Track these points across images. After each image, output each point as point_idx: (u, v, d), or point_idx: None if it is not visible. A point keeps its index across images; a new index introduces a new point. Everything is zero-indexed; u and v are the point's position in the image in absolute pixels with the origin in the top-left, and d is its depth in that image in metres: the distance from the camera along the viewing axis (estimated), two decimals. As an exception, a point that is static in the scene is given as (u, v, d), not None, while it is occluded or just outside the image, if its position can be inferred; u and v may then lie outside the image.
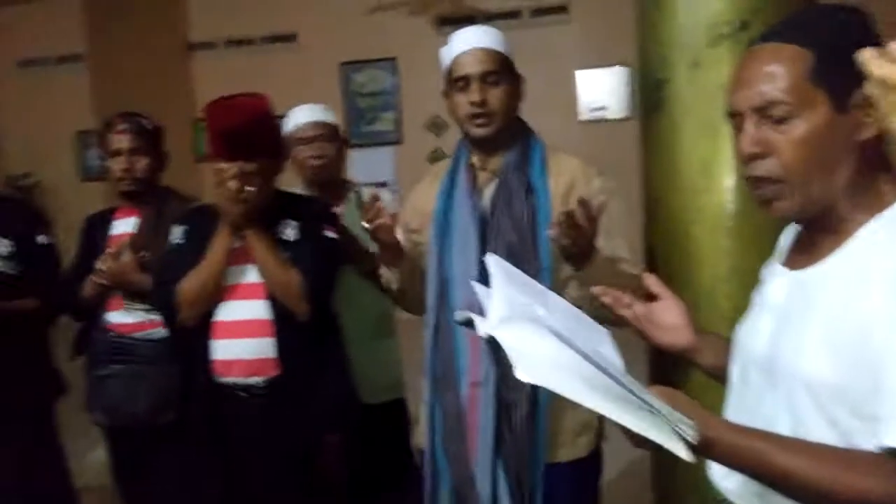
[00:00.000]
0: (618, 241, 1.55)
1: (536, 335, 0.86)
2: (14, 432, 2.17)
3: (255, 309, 1.76)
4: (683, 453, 0.76)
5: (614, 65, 5.59)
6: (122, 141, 2.13)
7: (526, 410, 1.48)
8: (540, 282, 1.51)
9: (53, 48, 6.55)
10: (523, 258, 1.47)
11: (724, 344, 1.06)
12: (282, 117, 2.16)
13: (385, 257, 1.64)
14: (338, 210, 2.06)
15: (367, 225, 1.55)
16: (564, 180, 1.57)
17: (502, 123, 1.56)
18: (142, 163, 2.14)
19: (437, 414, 1.57)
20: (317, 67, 6.01)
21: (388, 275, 1.69)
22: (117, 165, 2.13)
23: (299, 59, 6.10)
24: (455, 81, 1.56)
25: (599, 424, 1.62)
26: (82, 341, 2.18)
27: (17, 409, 2.17)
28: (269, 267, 1.74)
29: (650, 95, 1.74)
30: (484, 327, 0.88)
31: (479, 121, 1.54)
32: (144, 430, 2.08)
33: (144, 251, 2.01)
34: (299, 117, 2.19)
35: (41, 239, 2.25)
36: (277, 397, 1.77)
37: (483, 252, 1.48)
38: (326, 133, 2.18)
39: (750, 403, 0.95)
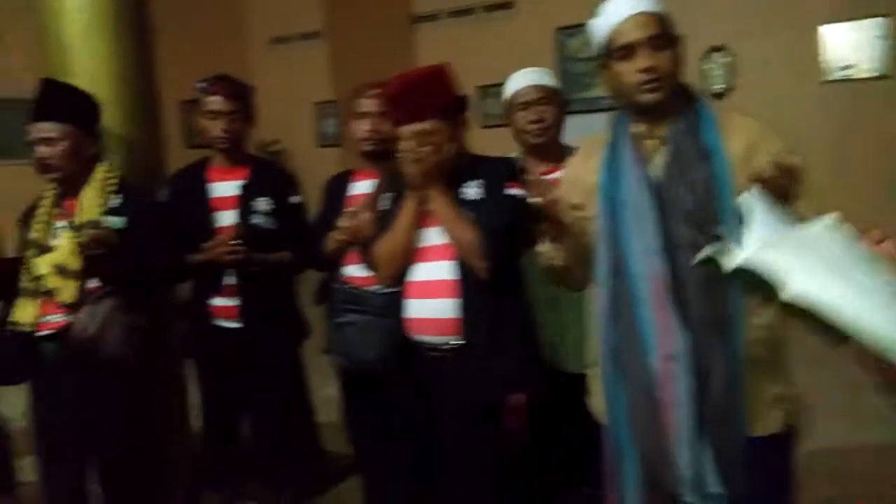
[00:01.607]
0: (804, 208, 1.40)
1: (801, 256, 0.83)
2: (272, 371, 2.44)
3: (443, 270, 1.83)
4: None
5: (867, 17, 4.97)
6: (369, 104, 2.26)
7: (723, 381, 1.40)
8: None
9: (298, 26, 7.22)
10: (704, 226, 1.39)
11: None
12: (498, 85, 2.21)
13: (552, 234, 1.60)
14: (557, 175, 2.07)
15: (537, 200, 1.53)
16: (742, 143, 1.45)
17: (671, 88, 1.48)
18: (385, 126, 2.24)
19: (618, 388, 1.52)
20: (533, 33, 6.02)
21: (550, 252, 1.66)
22: (363, 127, 2.27)
23: (516, 25, 6.15)
24: (616, 51, 1.48)
25: (795, 399, 1.50)
26: (324, 291, 2.39)
27: (274, 350, 2.43)
28: (451, 226, 1.80)
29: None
30: (737, 258, 0.85)
31: (649, 86, 1.45)
32: (375, 378, 2.23)
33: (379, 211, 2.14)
34: (518, 82, 2.20)
35: (293, 198, 2.48)
36: (462, 357, 1.82)
37: (661, 222, 1.43)
38: (546, 97, 2.18)
39: None
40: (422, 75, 1.82)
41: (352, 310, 2.27)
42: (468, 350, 1.82)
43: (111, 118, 2.49)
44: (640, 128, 1.54)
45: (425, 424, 1.90)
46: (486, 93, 5.66)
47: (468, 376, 1.82)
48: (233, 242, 2.27)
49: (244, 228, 2.32)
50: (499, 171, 1.88)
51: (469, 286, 1.81)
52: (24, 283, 2.16)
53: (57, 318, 2.14)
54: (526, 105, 2.17)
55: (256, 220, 2.37)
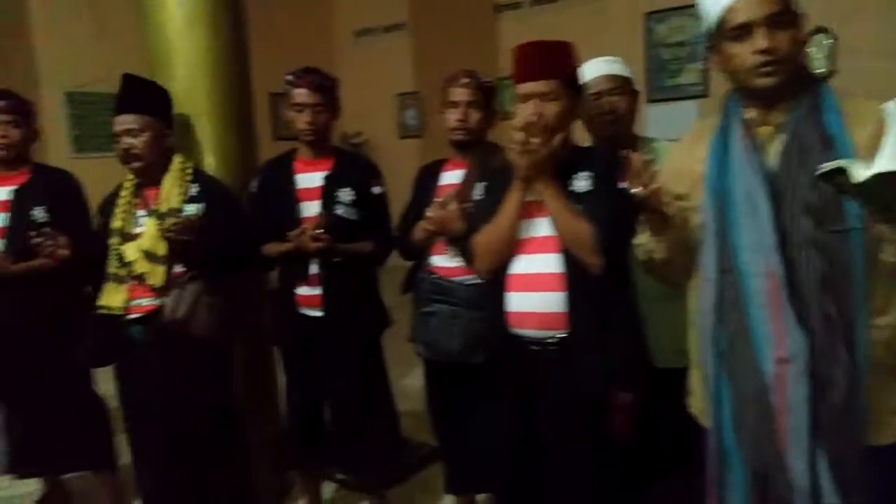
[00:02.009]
0: None
1: None
2: (352, 358, 2.46)
3: (548, 263, 1.77)
4: None
5: None
6: (460, 93, 2.24)
7: (844, 387, 1.31)
8: (848, 244, 1.30)
9: (382, 18, 7.29)
10: (826, 219, 1.30)
11: None
12: None
13: (653, 225, 1.53)
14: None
15: (639, 190, 1.45)
16: (868, 129, 1.31)
17: (790, 71, 1.36)
18: (475, 116, 2.24)
19: (724, 390, 1.44)
20: (620, 19, 5.86)
21: (649, 244, 1.58)
22: (453, 116, 2.26)
23: (602, 12, 6.00)
24: (730, 31, 1.38)
25: None
26: (410, 280, 2.39)
27: (354, 338, 2.46)
28: (561, 219, 1.73)
29: None
30: (870, 168, 0.78)
31: (767, 69, 1.35)
32: (458, 367, 2.23)
33: (468, 202, 2.10)
34: (590, 71, 2.12)
35: (375, 189, 2.49)
36: (567, 352, 1.77)
37: (776, 215, 1.33)
38: (618, 86, 2.11)
39: None
40: (554, 41, 1.79)
41: (437, 300, 2.27)
42: (573, 346, 1.76)
43: (205, 110, 2.58)
44: (753, 113, 1.44)
45: (521, 419, 1.86)
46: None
47: (572, 373, 1.77)
48: (316, 232, 2.30)
49: (327, 218, 2.35)
50: (612, 164, 1.80)
51: (576, 280, 1.74)
52: (111, 269, 2.25)
53: (146, 302, 2.24)
54: (598, 95, 2.10)
55: (339, 210, 2.39)
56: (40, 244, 2.27)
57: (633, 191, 1.49)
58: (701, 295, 1.48)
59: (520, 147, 1.71)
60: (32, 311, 2.52)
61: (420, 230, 2.24)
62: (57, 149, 5.19)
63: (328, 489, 2.89)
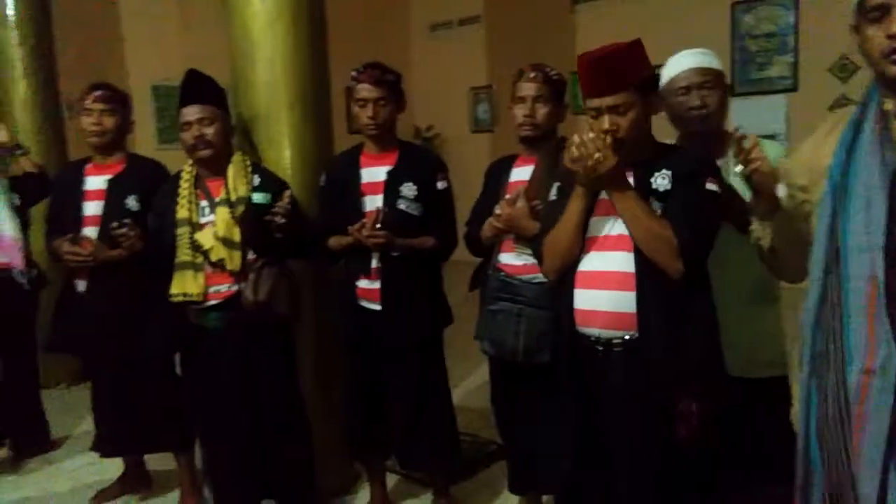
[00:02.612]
0: None
1: None
2: (410, 353, 2.46)
3: (620, 261, 1.72)
4: None
5: None
6: (527, 88, 2.21)
7: None
8: None
9: (458, 11, 7.28)
10: None
11: None
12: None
13: (759, 208, 1.45)
14: (718, 163, 1.88)
15: (741, 168, 1.37)
16: None
17: None
18: (543, 110, 2.20)
19: (813, 397, 1.36)
20: (703, 10, 5.65)
21: (759, 230, 1.51)
22: (520, 111, 2.22)
23: (685, 2, 5.79)
24: (869, 12, 1.25)
25: None
26: (478, 277, 2.37)
27: (413, 334, 2.46)
28: (637, 224, 1.67)
29: None
30: None
31: None
32: (523, 366, 2.20)
33: (537, 200, 2.08)
34: (679, 64, 2.02)
35: (440, 184, 2.47)
36: (635, 354, 1.71)
37: (890, 214, 1.21)
38: (709, 80, 1.99)
39: None
40: (618, 46, 1.71)
41: (503, 298, 2.24)
42: (641, 348, 1.71)
43: (284, 104, 2.63)
44: (891, 105, 1.31)
45: (584, 420, 1.81)
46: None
47: (639, 376, 1.71)
48: (376, 226, 2.30)
49: (388, 213, 2.35)
50: (696, 163, 1.73)
51: (648, 280, 1.68)
52: (184, 257, 2.32)
53: (224, 288, 2.32)
54: (687, 89, 1.99)
55: (401, 205, 2.40)
56: (121, 235, 2.37)
57: (737, 168, 1.42)
58: (806, 295, 1.39)
59: (584, 160, 1.65)
60: (121, 297, 2.62)
61: (488, 227, 2.22)
62: (144, 140, 5.42)
63: (393, 481, 2.91)
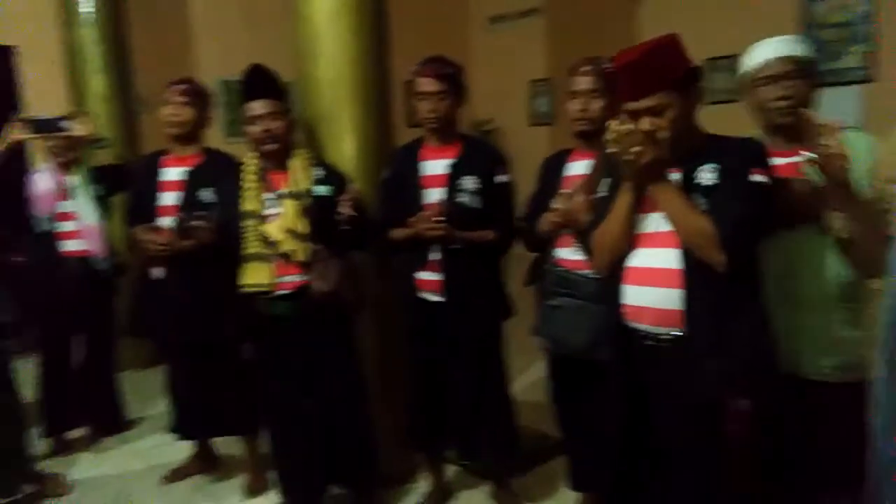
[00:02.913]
0: None
1: None
2: (470, 346, 2.49)
3: (667, 257, 1.70)
4: None
5: None
6: (581, 82, 2.20)
7: None
8: None
9: (517, 3, 7.22)
10: None
11: None
12: (729, 58, 1.98)
13: (833, 197, 1.41)
14: (803, 158, 1.83)
15: (812, 155, 1.32)
16: None
17: None
18: (597, 104, 2.19)
19: (886, 402, 1.32)
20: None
21: (836, 220, 1.47)
22: (574, 106, 2.22)
23: (754, -9, 5.62)
24: None
25: None
26: (535, 272, 2.38)
27: (473, 326, 2.48)
28: (677, 218, 1.66)
29: None
30: None
31: None
32: (583, 362, 2.20)
33: (594, 194, 2.06)
34: (764, 52, 1.91)
35: (501, 177, 2.48)
36: (682, 350, 1.70)
37: None
38: (797, 70, 1.86)
39: None
40: (651, 46, 1.69)
41: (562, 293, 2.25)
42: (689, 345, 1.69)
43: (346, 98, 2.68)
44: None
45: (634, 416, 1.81)
46: (715, 67, 5.25)
47: (686, 372, 1.70)
48: (436, 219, 2.32)
49: (448, 206, 2.38)
50: (742, 155, 1.70)
51: (695, 277, 1.67)
52: (253, 248, 2.40)
53: (292, 279, 2.39)
54: (772, 79, 1.88)
55: (462, 198, 2.41)
56: (194, 227, 2.46)
57: (808, 155, 1.36)
58: (885, 294, 1.35)
59: (624, 154, 1.65)
60: (195, 286, 2.73)
61: (545, 222, 2.22)
62: (213, 133, 5.58)
63: (452, 472, 2.95)
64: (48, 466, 3.19)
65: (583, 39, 5.85)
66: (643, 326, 1.75)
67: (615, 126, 1.66)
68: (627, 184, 1.72)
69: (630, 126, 1.65)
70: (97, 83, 4.35)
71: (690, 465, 1.73)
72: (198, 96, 2.82)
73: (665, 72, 1.67)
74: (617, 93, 1.74)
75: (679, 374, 1.71)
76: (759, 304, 1.75)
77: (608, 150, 1.70)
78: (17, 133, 3.10)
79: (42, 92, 4.88)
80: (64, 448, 3.41)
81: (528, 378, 3.42)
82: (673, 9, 5.77)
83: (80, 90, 4.36)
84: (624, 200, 1.74)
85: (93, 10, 4.31)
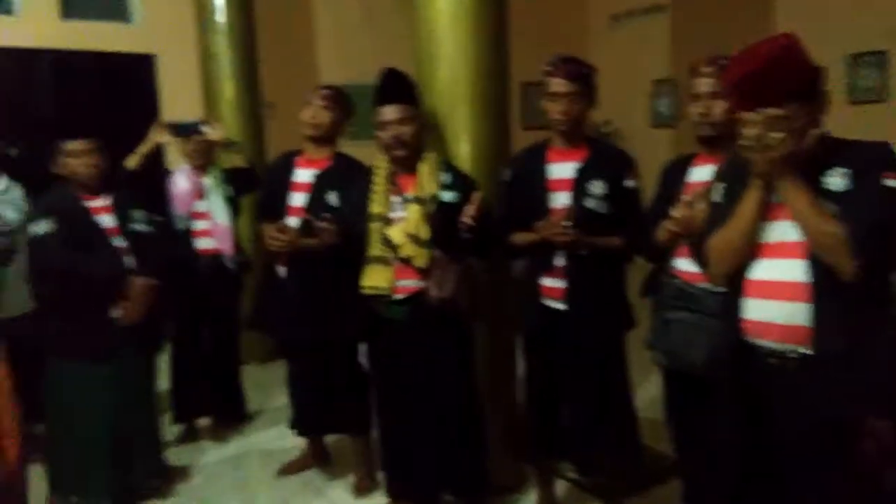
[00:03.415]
0: None
1: None
2: (593, 356, 2.42)
3: (793, 269, 1.59)
4: None
5: None
6: (702, 84, 2.09)
7: None
8: None
9: (641, 1, 6.98)
10: None
11: None
12: (874, 53, 1.80)
13: None
14: None
15: None
16: None
17: None
18: (719, 107, 2.07)
19: None
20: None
21: None
22: (695, 109, 2.11)
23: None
24: None
25: None
26: (652, 283, 2.28)
27: (596, 336, 2.42)
28: (807, 220, 1.54)
29: None
30: None
31: None
32: (700, 379, 2.08)
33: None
34: None
35: (629, 182, 2.40)
36: (811, 369, 1.58)
37: None
38: None
39: None
40: (769, 54, 1.56)
41: (680, 306, 2.14)
42: (819, 362, 1.58)
43: (464, 100, 2.68)
44: None
45: (755, 435, 1.70)
46: (858, 62, 4.83)
47: (817, 391, 1.59)
48: (563, 224, 2.26)
49: (576, 211, 2.31)
50: (873, 159, 1.58)
51: (825, 290, 1.56)
52: (375, 251, 2.42)
53: (410, 283, 2.41)
54: None
55: (589, 203, 2.35)
56: (320, 228, 2.52)
57: None
58: None
59: (758, 142, 1.55)
60: (316, 285, 2.80)
61: (664, 230, 2.12)
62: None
63: (561, 487, 2.87)
64: (175, 452, 3.38)
65: (711, 38, 5.54)
66: (767, 343, 1.65)
67: (753, 116, 1.56)
68: (758, 182, 1.62)
69: (778, 112, 1.54)
70: (229, 89, 4.59)
71: (815, 488, 1.62)
72: (338, 103, 2.90)
73: (789, 83, 1.56)
74: (734, 102, 1.63)
75: (807, 394, 1.60)
76: (891, 318, 1.62)
77: (743, 145, 1.60)
78: (158, 136, 3.33)
79: (178, 97, 5.22)
80: (190, 435, 3.62)
81: (646, 393, 3.28)
82: (810, 2, 5.38)
83: (213, 96, 4.62)
84: (753, 198, 1.64)
85: (225, 18, 4.55)
